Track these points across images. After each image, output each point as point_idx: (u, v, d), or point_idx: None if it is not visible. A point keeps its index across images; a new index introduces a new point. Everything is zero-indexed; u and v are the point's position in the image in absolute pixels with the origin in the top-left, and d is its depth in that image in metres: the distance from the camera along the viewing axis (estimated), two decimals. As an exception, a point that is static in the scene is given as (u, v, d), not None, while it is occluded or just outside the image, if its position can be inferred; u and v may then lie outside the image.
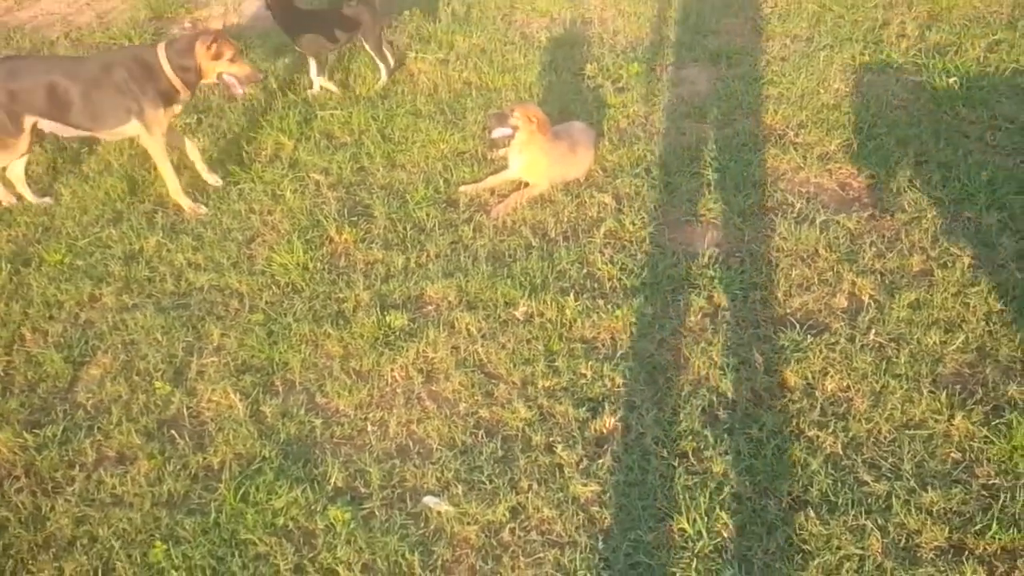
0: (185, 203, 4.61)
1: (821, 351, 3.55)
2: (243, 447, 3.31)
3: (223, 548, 2.94)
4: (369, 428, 3.40)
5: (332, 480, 3.17)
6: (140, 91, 4.32)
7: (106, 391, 3.59)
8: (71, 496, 3.15)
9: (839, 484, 3.05)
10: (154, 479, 3.20)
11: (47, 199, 4.78)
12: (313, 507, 3.07)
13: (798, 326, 3.68)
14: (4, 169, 4.61)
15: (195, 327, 3.88)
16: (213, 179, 4.83)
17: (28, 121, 4.31)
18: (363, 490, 3.15)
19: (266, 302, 4.01)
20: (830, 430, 3.24)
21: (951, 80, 5.27)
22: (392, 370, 3.64)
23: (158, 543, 2.94)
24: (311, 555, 2.92)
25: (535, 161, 4.64)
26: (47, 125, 4.40)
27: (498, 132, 4.58)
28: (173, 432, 3.38)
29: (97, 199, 4.74)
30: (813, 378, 3.46)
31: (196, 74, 4.41)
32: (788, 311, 3.79)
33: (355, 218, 4.52)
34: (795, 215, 4.33)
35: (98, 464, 3.29)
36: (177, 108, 4.52)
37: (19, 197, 4.71)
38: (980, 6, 6.22)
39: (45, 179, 4.97)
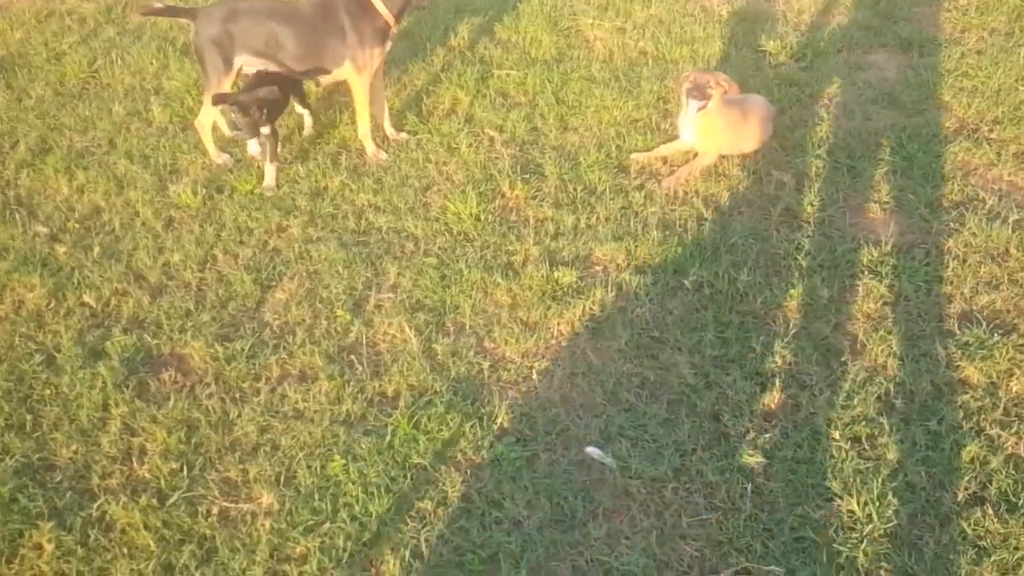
0: (370, 147, 4.80)
1: (1008, 351, 3.40)
2: (416, 379, 3.44)
3: (396, 469, 3.07)
4: (535, 376, 3.48)
5: (499, 420, 3.26)
6: (357, 33, 4.50)
7: (291, 314, 3.79)
8: (256, 406, 3.35)
9: (1020, 485, 2.92)
10: (333, 398, 3.37)
11: (240, 132, 5.02)
12: (481, 443, 3.17)
13: (984, 323, 3.53)
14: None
15: (374, 264, 4.05)
16: (393, 132, 4.99)
17: (238, 62, 4.56)
18: (528, 433, 3.23)
19: (439, 247, 4.14)
20: (1013, 430, 3.11)
21: None
22: (559, 324, 3.70)
23: (337, 457, 3.10)
24: (478, 486, 3.02)
25: (707, 128, 4.59)
26: (258, 65, 4.62)
27: (695, 105, 4.54)
28: (352, 358, 3.55)
29: (284, 137, 4.97)
30: (998, 377, 3.32)
31: None
32: (974, 308, 3.63)
33: (527, 175, 4.59)
34: (986, 211, 4.13)
35: (282, 379, 3.49)
36: (388, 45, 4.69)
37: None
38: None
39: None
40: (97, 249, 4.18)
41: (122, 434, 3.24)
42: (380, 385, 3.43)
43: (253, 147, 4.64)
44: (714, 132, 4.57)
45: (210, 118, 4.74)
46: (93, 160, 4.85)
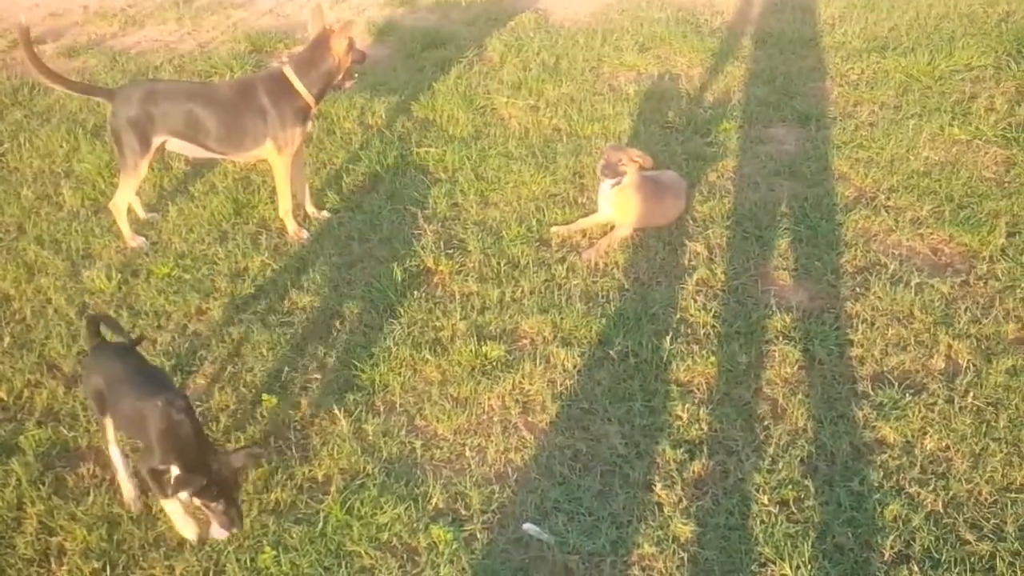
0: (291, 225, 4.78)
1: (920, 411, 3.56)
2: (347, 462, 3.39)
3: (329, 559, 3.01)
4: (468, 453, 3.47)
5: (433, 500, 3.23)
6: (278, 113, 4.52)
7: (214, 400, 3.70)
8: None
9: (941, 541, 3.04)
10: (261, 487, 3.29)
11: (156, 215, 4.97)
12: (416, 525, 3.13)
13: (896, 384, 3.70)
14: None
15: (299, 345, 4.00)
16: (314, 210, 4.99)
17: (156, 142, 4.52)
18: (464, 512, 3.21)
19: (366, 325, 4.13)
20: (931, 488, 3.24)
21: (1044, 154, 5.30)
22: (489, 399, 3.72)
23: (267, 549, 3.01)
24: (415, 571, 2.98)
25: (624, 203, 4.75)
26: (178, 147, 4.60)
27: (610, 182, 4.69)
28: (280, 443, 3.48)
29: (203, 218, 4.92)
30: (912, 436, 3.47)
31: (334, 74, 4.62)
32: (885, 369, 3.81)
33: (451, 251, 4.64)
34: (889, 276, 4.36)
35: (207, 469, 3.38)
36: (309, 125, 4.72)
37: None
38: (1070, 84, 6.26)
39: (152, 197, 5.17)
40: (7, 339, 4.02)
41: (39, 534, 3.09)
42: (310, 470, 3.37)
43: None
44: (630, 206, 4.73)
45: (125, 200, 4.65)
46: (1, 247, 4.69)
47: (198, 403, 3.67)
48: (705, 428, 3.54)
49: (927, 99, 6.16)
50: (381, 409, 3.68)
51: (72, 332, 4.06)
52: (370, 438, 3.51)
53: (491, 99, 6.32)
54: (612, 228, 4.79)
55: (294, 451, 3.44)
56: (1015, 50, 6.75)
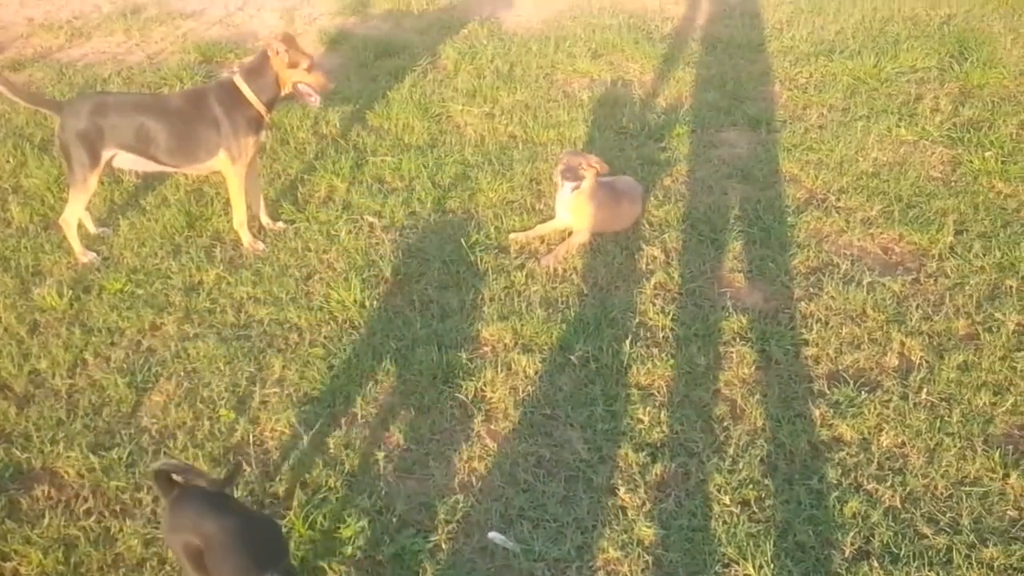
0: (246, 237, 4.72)
1: (875, 408, 3.63)
2: (308, 476, 3.35)
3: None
4: (431, 463, 3.46)
5: (397, 511, 3.21)
6: (231, 123, 4.46)
7: (170, 417, 3.64)
8: (139, 518, 3.19)
9: (900, 536, 3.10)
10: (222, 504, 3.24)
11: (107, 229, 4.88)
12: (380, 538, 3.11)
13: (851, 382, 3.76)
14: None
15: (256, 358, 3.96)
16: (269, 222, 4.93)
17: (106, 156, 4.44)
18: (428, 523, 3.19)
19: (325, 336, 4.09)
20: (888, 484, 3.31)
21: (987, 154, 5.43)
22: (451, 407, 3.70)
23: (229, 566, 2.97)
24: (381, 585, 2.96)
25: (581, 208, 4.77)
26: (128, 161, 4.52)
27: (570, 186, 4.71)
28: (239, 459, 3.43)
29: (155, 232, 4.84)
30: (869, 433, 3.53)
31: (275, 87, 4.56)
32: (840, 367, 3.88)
33: (409, 260, 4.62)
34: (841, 275, 4.44)
35: (165, 487, 3.33)
36: (263, 135, 4.67)
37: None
38: (1011, 85, 6.43)
39: (103, 211, 5.07)
40: (-46, 360, 3.92)
41: (-9, 561, 3.01)
42: (271, 486, 3.33)
43: None
44: (588, 211, 4.75)
45: (75, 215, 4.56)
46: (-55, 265, 4.57)
47: (154, 419, 3.62)
48: (666, 430, 3.57)
49: (874, 101, 6.29)
50: (342, 421, 3.65)
51: (23, 351, 3.97)
52: (331, 451, 3.48)
53: (446, 107, 6.31)
54: (570, 234, 4.81)
55: (254, 466, 3.40)
56: (957, 52, 6.94)
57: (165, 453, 3.44)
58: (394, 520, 3.18)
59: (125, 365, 3.92)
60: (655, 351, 3.98)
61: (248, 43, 7.52)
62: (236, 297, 4.34)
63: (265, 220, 4.93)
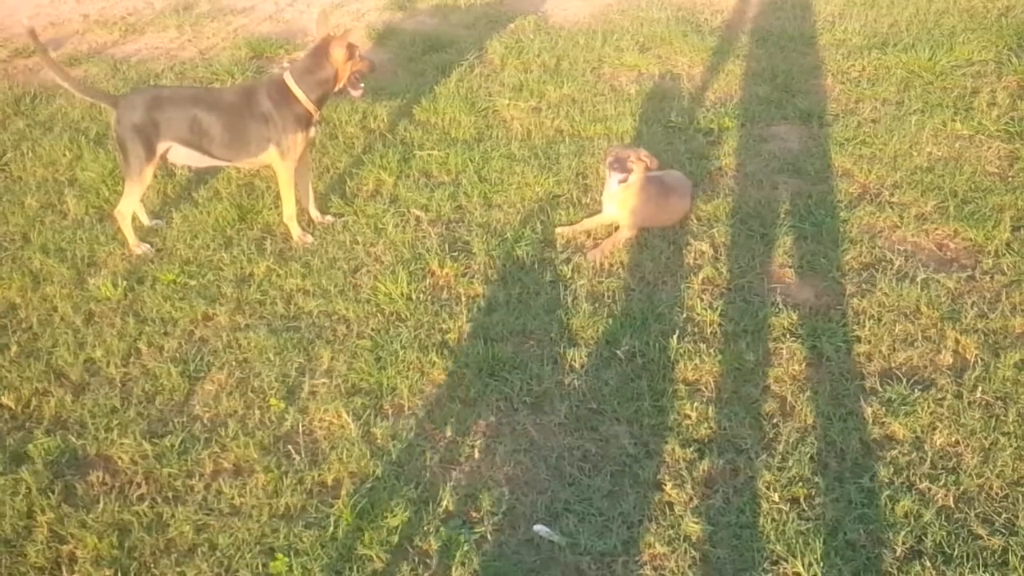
0: (295, 231, 4.78)
1: (929, 406, 3.56)
2: (356, 466, 3.38)
3: (341, 562, 3.00)
4: (477, 455, 3.47)
5: (444, 503, 3.23)
6: (280, 119, 4.53)
7: (222, 406, 3.70)
8: (191, 504, 3.24)
9: (953, 537, 3.04)
10: (271, 492, 3.29)
11: (160, 221, 4.98)
12: (426, 527, 3.13)
13: (904, 380, 3.69)
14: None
15: (305, 349, 4.00)
16: (318, 215, 4.99)
17: (161, 148, 4.53)
18: (474, 515, 3.20)
19: (372, 329, 4.13)
20: (941, 483, 3.24)
21: (1047, 148, 5.30)
22: (497, 400, 3.71)
23: (279, 556, 3.01)
24: (426, 574, 2.97)
25: (629, 202, 4.75)
26: (182, 155, 4.61)
27: (618, 178, 4.70)
28: (288, 447, 3.48)
29: (208, 224, 4.91)
30: (922, 432, 3.46)
31: (333, 82, 4.62)
32: (893, 365, 3.80)
33: (455, 253, 4.64)
34: (894, 272, 4.36)
35: (216, 475, 3.38)
36: (312, 132, 4.73)
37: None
38: (1072, 78, 6.26)
39: (156, 204, 5.17)
40: (14, 348, 4.01)
41: (50, 542, 3.08)
42: (319, 474, 3.36)
43: None
44: (636, 206, 4.72)
45: (130, 207, 4.66)
46: (6, 256, 4.68)
47: (206, 408, 3.68)
48: (714, 427, 3.53)
49: (929, 95, 6.16)
50: (389, 412, 3.67)
51: (79, 340, 4.06)
52: (379, 441, 3.51)
53: (493, 101, 6.32)
54: (617, 228, 4.79)
55: (303, 455, 3.44)
56: (1016, 44, 6.76)
57: (216, 441, 3.50)
58: (439, 511, 3.20)
59: (178, 354, 3.99)
60: (703, 347, 3.94)
61: (298, 39, 7.61)
62: (286, 289, 4.40)
63: (314, 214, 4.98)
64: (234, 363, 3.93)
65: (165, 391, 3.80)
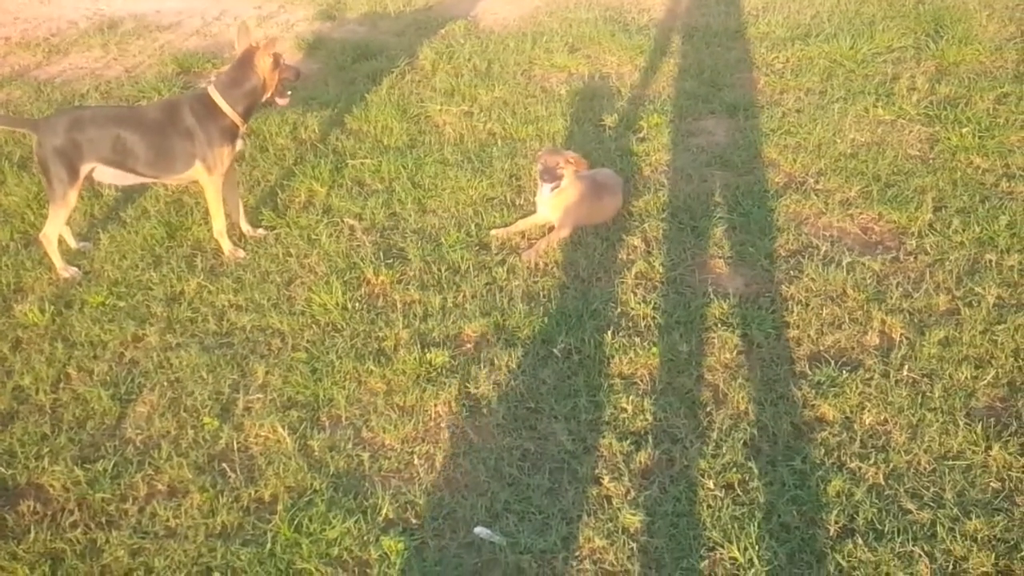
0: (226, 245, 4.72)
1: (857, 386, 3.64)
2: (293, 480, 3.35)
3: (280, 578, 2.97)
4: (416, 461, 3.46)
5: (383, 512, 3.21)
6: (205, 134, 4.47)
7: (154, 427, 3.64)
8: (125, 529, 3.18)
9: (884, 513, 3.11)
10: (207, 511, 3.24)
11: (87, 244, 4.88)
12: (366, 538, 3.11)
13: (832, 362, 3.77)
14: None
15: (239, 365, 3.96)
16: (249, 229, 4.94)
17: (85, 170, 4.45)
18: (414, 521, 3.19)
19: (308, 341, 4.09)
20: (871, 461, 3.31)
21: (964, 130, 5.45)
22: (436, 405, 3.71)
23: (216, 574, 2.97)
24: (367, 584, 2.96)
25: (562, 204, 4.79)
26: (107, 174, 4.53)
27: (549, 186, 4.74)
28: (224, 466, 3.43)
29: (136, 244, 4.84)
30: (851, 412, 3.54)
31: (259, 92, 4.60)
32: (821, 348, 3.89)
33: (390, 260, 4.62)
34: (821, 257, 4.45)
35: (150, 498, 3.33)
36: (239, 145, 4.69)
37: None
38: (986, 61, 6.45)
39: (83, 226, 5.07)
40: (-63, 380, 3.91)
41: (-24, 577, 3.01)
42: (256, 491, 3.32)
43: None
44: (569, 206, 4.76)
45: (56, 231, 4.56)
46: (-75, 286, 4.56)
47: (139, 431, 3.62)
48: (650, 418, 3.57)
49: (851, 82, 6.31)
50: (326, 424, 3.65)
51: (6, 368, 3.97)
52: (316, 454, 3.48)
53: (425, 107, 6.32)
54: (551, 228, 4.82)
55: (239, 473, 3.39)
56: (933, 30, 6.97)
57: (150, 464, 3.44)
58: (379, 520, 3.18)
59: (108, 377, 3.92)
60: (637, 340, 3.98)
61: (225, 53, 7.50)
62: (217, 305, 4.34)
63: (245, 227, 4.93)
64: (166, 383, 3.87)
65: (96, 415, 3.72)
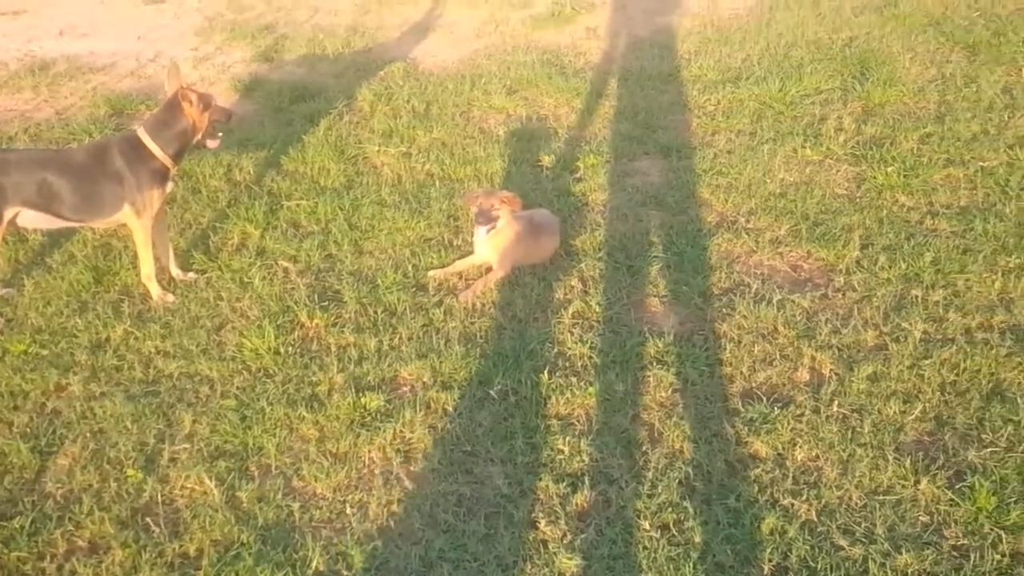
0: (155, 290, 4.62)
1: (788, 422, 3.67)
2: (220, 533, 3.25)
3: (204, 636, 2.86)
4: (348, 510, 3.38)
5: (313, 564, 3.13)
6: (135, 176, 4.40)
7: (76, 480, 3.51)
8: (41, 588, 3.05)
9: (817, 550, 3.12)
10: (129, 568, 3.12)
11: (11, 290, 4.73)
12: (295, 591, 3.02)
13: (764, 399, 3.81)
14: None
15: (166, 414, 3.85)
16: (179, 272, 4.84)
17: (9, 214, 4.34)
18: (346, 573, 3.12)
19: (238, 387, 4.00)
20: (803, 498, 3.33)
21: (890, 169, 5.61)
22: (369, 451, 3.64)
23: (136, 633, 2.86)
24: (296, 639, 2.86)
25: (499, 245, 4.79)
26: (32, 219, 4.42)
27: (485, 228, 4.75)
28: (147, 520, 3.31)
29: (61, 290, 4.70)
30: (783, 448, 3.57)
31: (190, 134, 4.54)
32: (754, 385, 3.92)
33: (325, 303, 4.56)
34: (752, 295, 4.51)
35: (70, 555, 3.19)
36: (169, 187, 4.61)
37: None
38: (910, 102, 6.67)
39: (7, 272, 4.92)
40: None
41: None
42: (181, 545, 3.21)
43: None
44: (506, 247, 4.77)
45: (-27, 279, 4.42)
46: None
47: (59, 484, 3.48)
48: (586, 459, 3.55)
49: (780, 124, 6.46)
50: (255, 473, 3.55)
51: (-82, 423, 3.81)
52: (244, 505, 3.38)
53: (362, 148, 6.30)
54: (489, 269, 4.82)
55: (163, 527, 3.28)
56: (859, 72, 7.19)
57: (70, 519, 3.31)
58: (310, 573, 3.10)
59: (28, 429, 3.78)
60: (574, 380, 3.98)
61: (159, 94, 7.40)
62: (144, 352, 4.23)
63: (175, 271, 4.83)
64: (89, 434, 3.74)
65: (15, 469, 3.58)
